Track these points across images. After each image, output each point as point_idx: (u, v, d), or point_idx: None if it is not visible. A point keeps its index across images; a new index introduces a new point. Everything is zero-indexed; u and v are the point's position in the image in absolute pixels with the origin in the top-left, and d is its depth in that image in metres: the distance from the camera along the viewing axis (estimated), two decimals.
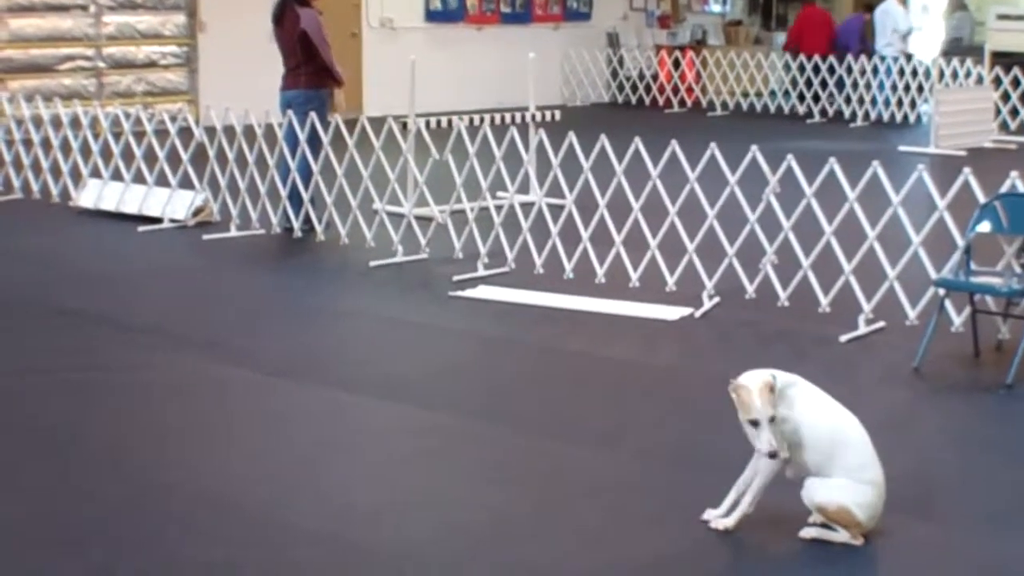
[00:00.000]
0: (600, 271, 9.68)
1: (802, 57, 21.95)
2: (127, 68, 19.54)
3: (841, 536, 5.25)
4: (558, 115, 12.85)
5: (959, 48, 22.38)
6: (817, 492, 5.26)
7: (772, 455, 5.16)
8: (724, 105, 22.78)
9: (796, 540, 5.30)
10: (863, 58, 21.43)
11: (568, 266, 9.85)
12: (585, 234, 9.85)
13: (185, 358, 7.86)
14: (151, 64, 19.74)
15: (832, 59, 21.65)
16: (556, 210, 10.21)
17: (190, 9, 19.90)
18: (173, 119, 12.55)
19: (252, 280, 10.22)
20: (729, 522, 5.35)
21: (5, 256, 10.92)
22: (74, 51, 19.16)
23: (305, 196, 11.35)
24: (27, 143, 13.67)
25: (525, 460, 6.29)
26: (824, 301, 8.76)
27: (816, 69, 21.73)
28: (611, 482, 6.00)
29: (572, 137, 10.08)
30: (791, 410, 5.24)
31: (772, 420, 5.14)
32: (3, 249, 11.17)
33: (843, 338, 8.25)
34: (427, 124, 11.74)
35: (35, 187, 13.38)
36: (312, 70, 11.49)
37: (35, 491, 5.83)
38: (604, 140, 9.89)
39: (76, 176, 13.04)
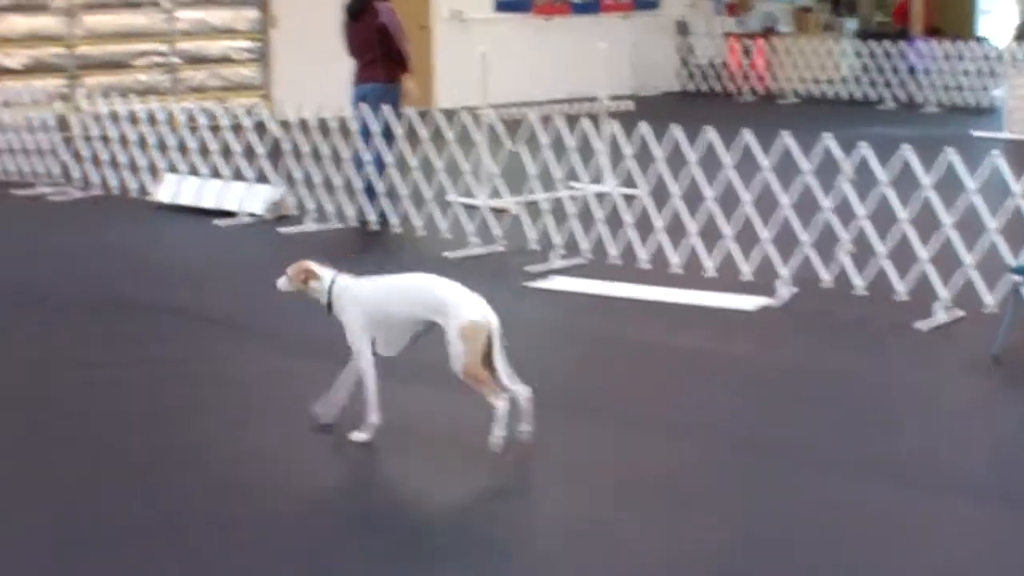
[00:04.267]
0: (675, 261, 9.70)
1: (871, 42, 21.84)
2: (201, 63, 19.74)
3: None
4: (631, 105, 12.85)
5: None
6: None
7: None
8: (795, 93, 22.67)
9: None
10: (934, 43, 21.30)
11: (643, 256, 9.87)
12: (659, 224, 9.87)
13: (259, 350, 7.98)
14: (224, 59, 19.94)
15: (903, 44, 21.54)
16: (629, 200, 10.23)
17: (262, 4, 20.07)
18: (248, 113, 12.69)
19: None
20: None
21: (86, 251, 11.10)
22: (148, 47, 19.38)
23: (380, 189, 11.43)
24: (104, 139, 13.85)
25: (598, 450, 6.32)
26: (901, 289, 8.74)
27: (887, 55, 21.59)
28: (680, 471, 6.02)
29: (645, 128, 10.10)
30: None
31: None
32: (83, 244, 11.36)
33: (921, 326, 8.22)
34: (500, 116, 11.80)
35: (113, 183, 13.56)
36: (387, 64, 11.56)
37: (119, 477, 5.95)
38: (676, 131, 9.89)
39: (153, 171, 13.21)
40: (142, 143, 13.38)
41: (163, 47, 19.47)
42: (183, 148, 12.95)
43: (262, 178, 12.20)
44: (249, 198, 12.22)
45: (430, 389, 6.81)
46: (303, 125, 12.08)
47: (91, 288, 9.69)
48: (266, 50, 20.16)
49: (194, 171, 12.80)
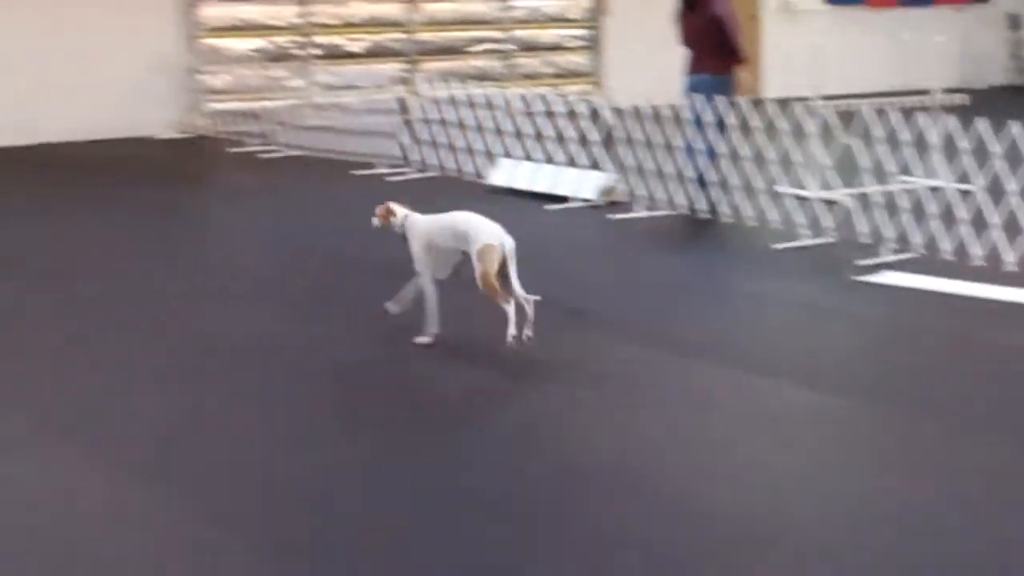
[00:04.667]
0: (1010, 259, 9.53)
1: None
2: (534, 51, 20.20)
3: None
4: (966, 99, 12.63)
5: None
6: None
7: None
8: None
9: None
10: None
11: (977, 253, 9.73)
12: (995, 220, 9.71)
13: (598, 336, 8.16)
14: (557, 47, 20.35)
15: None
16: (964, 195, 10.09)
17: None
18: (582, 101, 12.98)
19: (660, 260, 10.45)
20: None
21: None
22: (484, 34, 19.94)
23: (711, 179, 11.55)
24: (442, 123, 14.35)
25: (931, 450, 6.29)
26: None
27: None
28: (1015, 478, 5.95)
29: (982, 124, 9.95)
30: None
31: None
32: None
33: None
34: (831, 107, 11.77)
35: (449, 165, 14.05)
36: (721, 55, 11.66)
37: (449, 464, 6.23)
38: (1015, 127, 9.71)
39: (488, 155, 13.63)
40: (478, 127, 13.83)
41: (498, 34, 19.99)
42: (518, 133, 13.33)
43: (594, 165, 12.47)
44: (581, 184, 12.51)
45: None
46: (635, 113, 12.28)
47: None
48: (598, 38, 20.48)
49: (528, 156, 13.16)
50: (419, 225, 7.85)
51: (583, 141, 12.55)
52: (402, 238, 7.89)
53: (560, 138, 12.82)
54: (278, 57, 18.73)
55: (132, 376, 7.34)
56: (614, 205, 12.22)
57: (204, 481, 5.78)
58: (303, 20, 19.18)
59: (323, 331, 8.20)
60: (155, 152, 16.75)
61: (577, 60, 20.42)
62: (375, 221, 7.99)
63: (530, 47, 20.15)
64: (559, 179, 12.72)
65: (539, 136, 13.04)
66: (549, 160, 12.94)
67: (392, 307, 7.98)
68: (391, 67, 18.95)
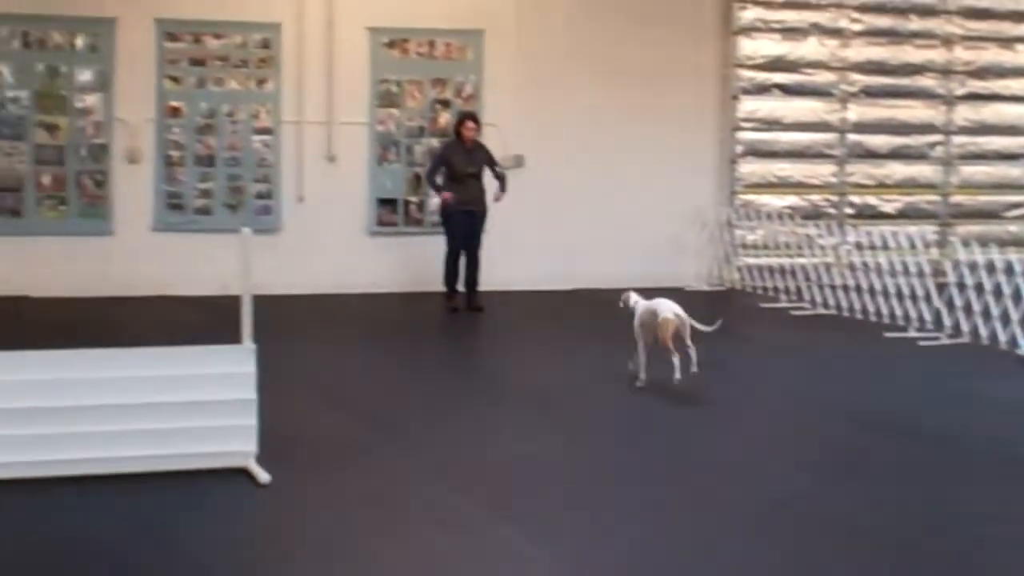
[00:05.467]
0: None
1: None
2: None
3: None
4: None
5: None
6: None
7: None
8: None
9: None
10: None
11: None
12: None
13: None
14: None
15: None
16: None
17: None
18: None
19: None
20: None
21: (951, 399, 11.44)
22: (1020, 198, 19.66)
23: None
24: (978, 288, 14.22)
25: None
26: None
27: None
28: None
29: None
30: None
31: None
32: (949, 392, 11.73)
33: None
34: None
35: (983, 332, 13.89)
36: None
37: None
38: None
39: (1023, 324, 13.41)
40: (1016, 295, 13.63)
41: None
42: None
43: None
44: None
45: None
46: None
47: (965, 439, 10.00)
48: None
49: None
50: (638, 307, 11.45)
51: None
52: (629, 316, 11.45)
53: None
54: (811, 215, 19.10)
55: (697, 531, 7.71)
56: None
57: None
58: (838, 179, 19.52)
59: (847, 493, 8.32)
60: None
61: None
62: (621, 303, 11.66)
63: None
64: None
65: None
66: None
67: (632, 369, 11.44)
68: (925, 229, 18.94)
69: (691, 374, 10.84)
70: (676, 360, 10.83)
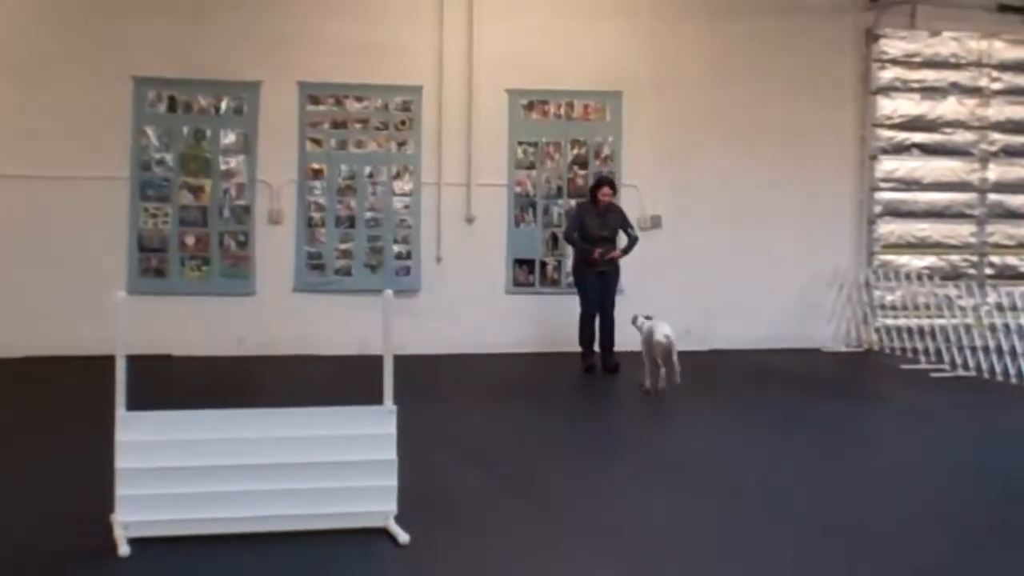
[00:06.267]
0: None
1: None
2: None
3: None
4: None
5: None
6: None
7: None
8: None
9: None
10: None
11: None
12: None
13: None
14: None
15: None
16: None
17: None
18: None
19: None
20: None
21: None
22: None
23: None
24: None
25: None
26: None
27: None
28: None
29: None
30: None
31: None
32: None
33: None
34: None
35: None
36: None
37: None
38: None
39: None
40: None
41: None
42: None
43: None
44: None
45: None
46: None
47: None
48: None
49: None
50: (643, 328, 13.92)
51: None
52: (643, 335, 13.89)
53: None
54: (951, 275, 18.88)
55: None
56: None
57: None
58: (977, 239, 19.29)
59: (992, 563, 8.19)
60: (823, 365, 17.26)
61: None
62: (632, 324, 14.35)
63: None
64: None
65: None
66: None
67: (642, 382, 13.94)
68: None
69: (675, 384, 13.71)
70: (663, 372, 13.69)
